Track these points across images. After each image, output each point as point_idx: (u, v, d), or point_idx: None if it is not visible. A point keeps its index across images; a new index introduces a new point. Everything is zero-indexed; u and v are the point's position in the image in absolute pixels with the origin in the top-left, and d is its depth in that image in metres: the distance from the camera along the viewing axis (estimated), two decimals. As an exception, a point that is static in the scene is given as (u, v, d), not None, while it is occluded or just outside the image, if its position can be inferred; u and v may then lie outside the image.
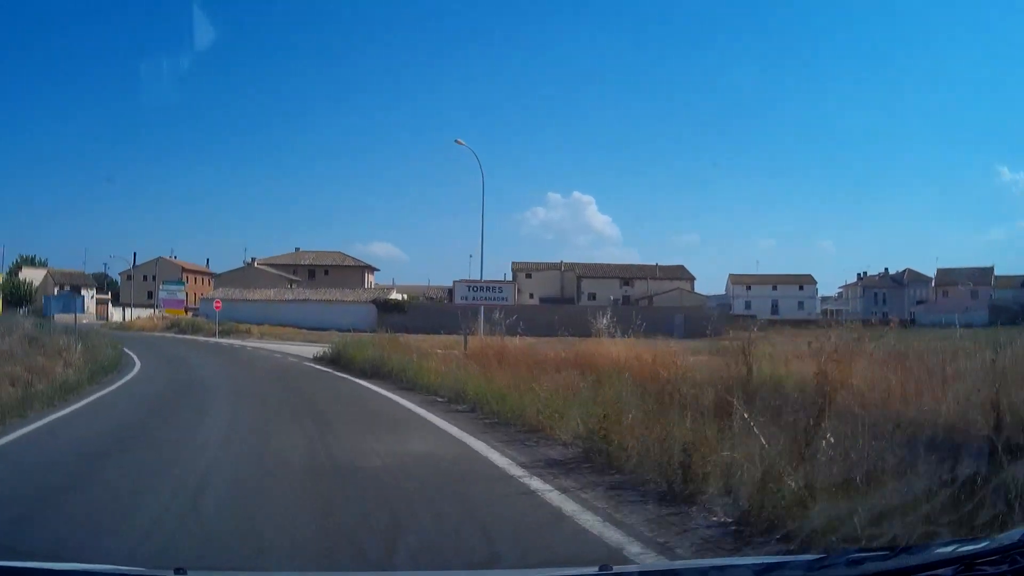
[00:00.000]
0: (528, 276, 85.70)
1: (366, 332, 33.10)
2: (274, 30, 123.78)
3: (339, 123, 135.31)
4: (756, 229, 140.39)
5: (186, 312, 74.31)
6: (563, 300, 75.87)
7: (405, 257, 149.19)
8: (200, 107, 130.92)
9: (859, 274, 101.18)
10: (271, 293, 72.88)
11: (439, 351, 21.74)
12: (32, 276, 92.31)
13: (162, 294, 65.77)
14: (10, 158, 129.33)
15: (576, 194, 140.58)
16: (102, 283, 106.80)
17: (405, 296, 71.51)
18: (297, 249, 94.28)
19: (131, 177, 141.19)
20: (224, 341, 47.69)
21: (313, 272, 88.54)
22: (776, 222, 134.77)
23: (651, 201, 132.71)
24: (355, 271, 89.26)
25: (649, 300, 76.62)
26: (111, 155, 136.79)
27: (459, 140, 36.15)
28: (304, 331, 55.23)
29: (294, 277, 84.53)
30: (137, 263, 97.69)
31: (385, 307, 62.99)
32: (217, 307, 55.71)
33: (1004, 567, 2.47)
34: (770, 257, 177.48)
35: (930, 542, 3.49)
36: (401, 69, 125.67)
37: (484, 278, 30.84)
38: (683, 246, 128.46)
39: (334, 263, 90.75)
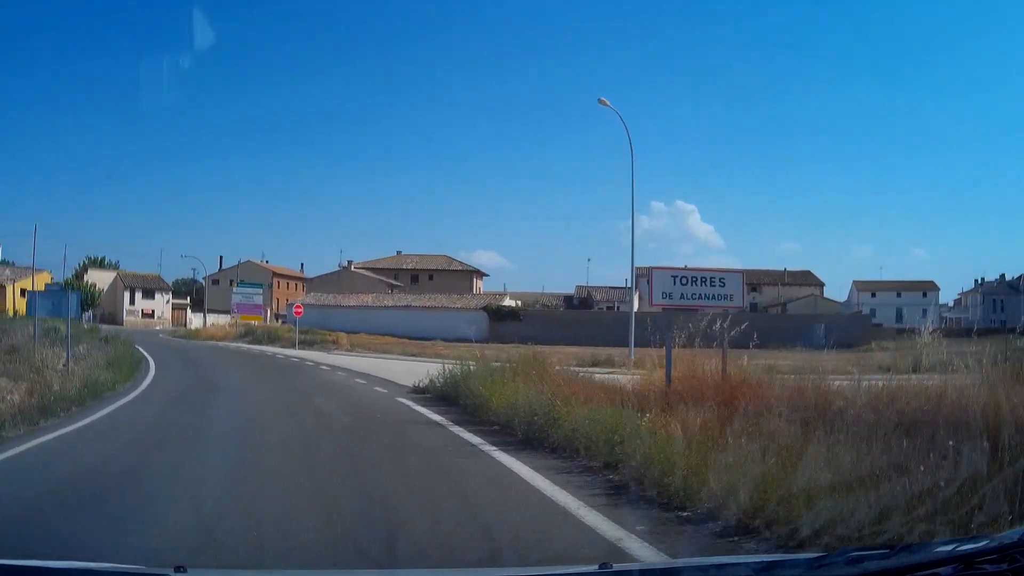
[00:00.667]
0: (649, 282, 73.83)
1: (476, 343, 29.70)
2: (386, 30, 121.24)
3: (444, 127, 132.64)
4: (852, 236, 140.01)
5: (277, 320, 69.64)
6: (686, 307, 65.55)
7: (510, 266, 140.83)
8: (301, 105, 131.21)
9: (977, 280, 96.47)
10: (368, 299, 66.58)
11: (606, 374, 15.97)
12: (100, 279, 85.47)
13: (235, 298, 56.07)
14: (101, 158, 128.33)
15: (679, 203, 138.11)
16: (190, 288, 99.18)
17: (518, 303, 65.34)
18: (398, 252, 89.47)
19: (223, 178, 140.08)
20: (301, 354, 37.66)
21: (416, 277, 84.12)
22: (871, 228, 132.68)
23: (750, 210, 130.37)
24: (462, 276, 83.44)
25: (782, 307, 72.27)
26: (202, 155, 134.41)
27: (603, 100, 32.59)
28: (404, 341, 47.63)
29: (395, 282, 79.52)
30: (224, 267, 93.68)
31: (498, 315, 57.33)
32: (298, 312, 45.64)
33: (1004, 566, 2.44)
34: (865, 266, 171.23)
35: (930, 540, 3.47)
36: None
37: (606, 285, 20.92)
38: (783, 255, 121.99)
39: (439, 267, 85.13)
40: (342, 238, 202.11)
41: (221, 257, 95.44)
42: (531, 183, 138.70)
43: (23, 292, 57.60)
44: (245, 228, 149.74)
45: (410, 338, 47.83)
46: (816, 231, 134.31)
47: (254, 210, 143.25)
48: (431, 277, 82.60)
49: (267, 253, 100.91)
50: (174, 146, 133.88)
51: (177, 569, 2.88)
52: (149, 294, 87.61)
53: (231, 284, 65.40)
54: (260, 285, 58.45)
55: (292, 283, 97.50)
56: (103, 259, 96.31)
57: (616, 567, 2.97)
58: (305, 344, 43.75)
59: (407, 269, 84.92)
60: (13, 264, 67.67)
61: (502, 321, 53.98)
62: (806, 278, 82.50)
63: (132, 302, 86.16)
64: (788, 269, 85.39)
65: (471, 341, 32.37)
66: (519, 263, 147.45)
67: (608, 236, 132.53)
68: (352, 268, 79.40)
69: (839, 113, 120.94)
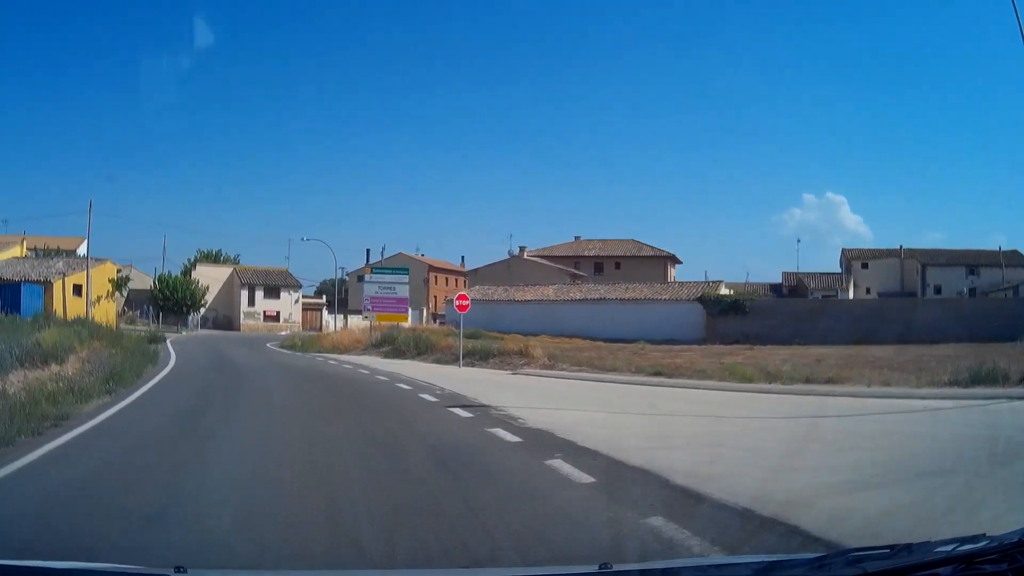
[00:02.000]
0: (864, 266, 71.00)
1: (691, 343, 27.43)
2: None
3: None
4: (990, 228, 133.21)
5: (435, 320, 63.47)
6: (904, 294, 65.00)
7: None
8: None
9: None
10: (549, 291, 54.43)
11: None
12: (211, 275, 72.45)
13: (369, 289, 37.52)
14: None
15: (829, 194, 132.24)
16: (338, 288, 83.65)
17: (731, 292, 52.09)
18: (577, 238, 79.48)
19: (365, 169, 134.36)
20: (471, 378, 21.48)
21: (600, 265, 74.07)
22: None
23: (895, 199, 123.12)
24: (654, 263, 72.53)
25: (1013, 290, 59.83)
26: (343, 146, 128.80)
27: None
28: (599, 344, 35.16)
29: (577, 271, 69.71)
30: (372, 261, 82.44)
31: (717, 307, 45.95)
32: (463, 306, 28.99)
33: (1004, 566, 2.48)
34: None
35: (930, 541, 3.12)
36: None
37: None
38: (928, 245, 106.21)
39: (627, 253, 74.91)
40: (503, 227, 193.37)
41: (368, 250, 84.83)
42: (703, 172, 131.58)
43: (77, 289, 43.77)
44: (391, 222, 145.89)
45: (605, 340, 37.21)
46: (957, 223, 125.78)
47: (401, 202, 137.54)
48: (618, 265, 72.69)
49: (421, 247, 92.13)
50: (309, 137, 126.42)
51: (177, 569, 2.88)
52: (272, 292, 71.19)
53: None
54: (404, 271, 39.25)
55: (451, 278, 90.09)
56: (218, 252, 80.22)
57: (616, 567, 2.97)
58: (475, 357, 27.57)
59: (589, 256, 74.66)
60: (73, 255, 51.39)
61: (722, 315, 44.38)
62: (1015, 258, 68.06)
63: (251, 302, 70.21)
64: (1003, 249, 70.24)
65: (686, 342, 29.69)
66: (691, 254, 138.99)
67: (752, 233, 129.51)
68: (525, 256, 70.73)
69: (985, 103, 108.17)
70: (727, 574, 3.25)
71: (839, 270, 71.54)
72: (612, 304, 49.02)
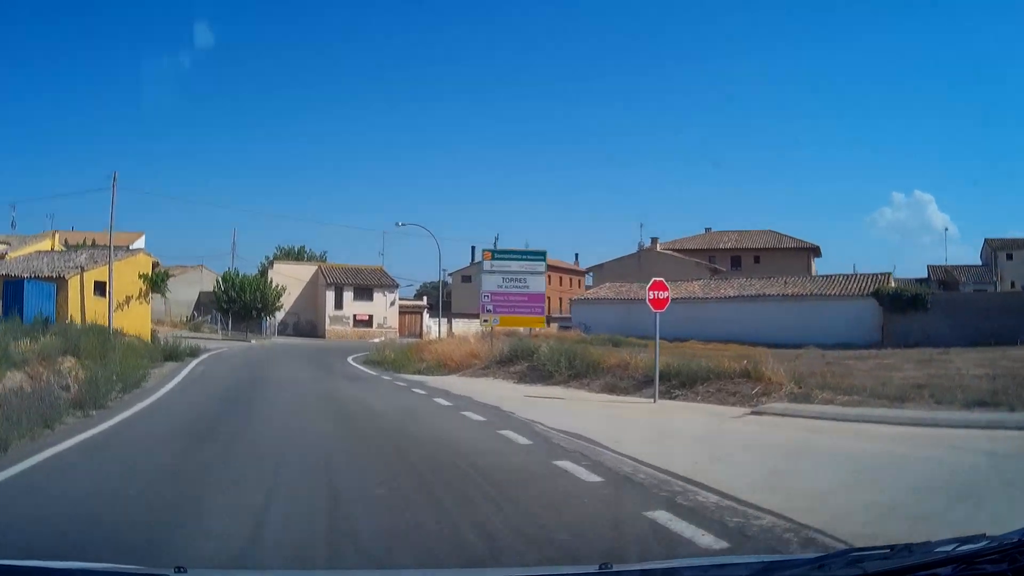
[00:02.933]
0: (1009, 257, 64.08)
1: (871, 348, 24.57)
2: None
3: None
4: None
5: (548, 324, 49.53)
6: None
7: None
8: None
9: None
10: (695, 288, 47.90)
11: None
12: (292, 274, 63.73)
13: (488, 282, 25.25)
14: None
15: (917, 192, 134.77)
16: (442, 288, 74.47)
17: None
18: (708, 230, 73.82)
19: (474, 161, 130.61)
20: (729, 428, 11.10)
21: (738, 259, 68.13)
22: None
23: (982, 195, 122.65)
24: (795, 255, 66.22)
25: None
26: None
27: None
28: (759, 349, 22.66)
29: (716, 266, 64.67)
30: (478, 260, 72.19)
31: (894, 303, 39.20)
32: (660, 302, 17.05)
33: (1004, 566, 2.46)
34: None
35: (930, 541, 3.12)
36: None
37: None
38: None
39: (766, 245, 68.77)
40: (622, 221, 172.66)
41: (474, 247, 78.40)
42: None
43: (102, 288, 36.06)
44: (496, 219, 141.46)
45: (765, 345, 26.94)
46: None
47: (508, 197, 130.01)
48: (756, 259, 67.01)
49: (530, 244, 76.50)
50: (408, 129, 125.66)
51: (177, 570, 2.88)
52: (364, 293, 60.87)
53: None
54: (540, 255, 27.29)
55: (565, 277, 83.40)
56: (300, 249, 70.27)
57: (616, 567, 2.96)
58: (672, 382, 16.86)
59: (724, 249, 68.94)
60: (93, 247, 42.08)
61: (899, 313, 38.46)
62: None
63: (338, 304, 59.79)
64: None
65: (860, 345, 27.44)
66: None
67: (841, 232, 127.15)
68: (658, 248, 65.30)
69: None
70: (727, 574, 3.16)
71: (978, 262, 67.07)
72: (772, 301, 42.88)
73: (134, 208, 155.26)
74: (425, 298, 69.05)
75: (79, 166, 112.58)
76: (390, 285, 64.12)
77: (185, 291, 61.06)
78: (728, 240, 69.38)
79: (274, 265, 62.99)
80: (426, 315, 66.26)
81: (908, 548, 2.88)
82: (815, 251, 68.44)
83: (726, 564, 3.52)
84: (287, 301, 60.23)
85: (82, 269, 33.19)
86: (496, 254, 28.35)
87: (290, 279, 59.88)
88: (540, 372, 20.64)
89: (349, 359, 32.04)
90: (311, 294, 62.85)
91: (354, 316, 62.29)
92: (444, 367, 25.41)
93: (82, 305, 31.31)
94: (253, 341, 47.59)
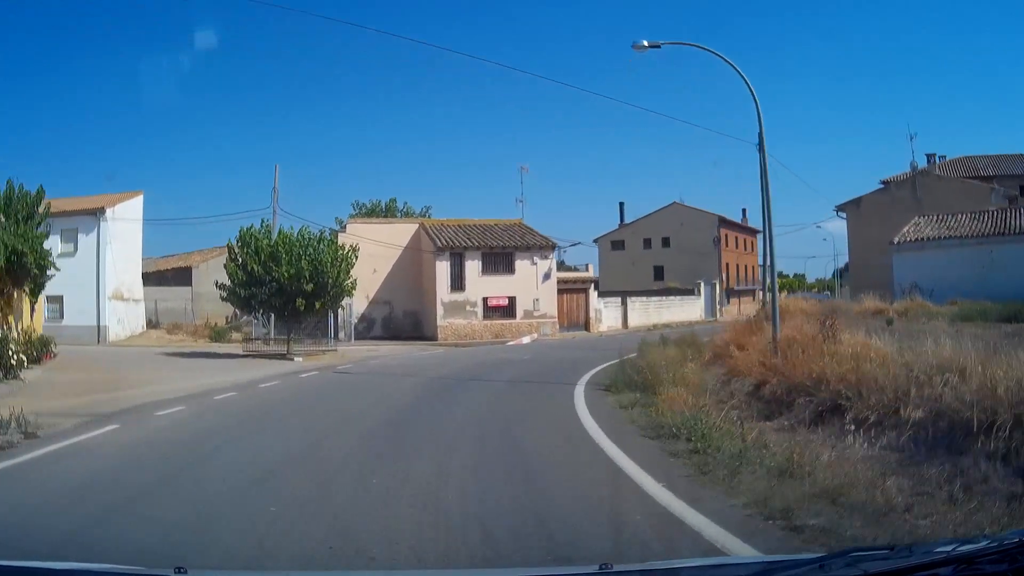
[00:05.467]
0: None
1: None
2: None
3: None
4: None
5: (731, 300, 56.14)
6: None
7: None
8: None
9: None
10: None
11: None
12: (378, 236, 43.07)
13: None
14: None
15: None
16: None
17: None
18: None
19: None
20: None
21: None
22: None
23: None
24: None
25: None
26: None
27: None
28: None
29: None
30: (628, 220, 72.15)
31: None
32: None
33: (1004, 566, 2.48)
34: None
35: (930, 541, 3.56)
36: None
37: None
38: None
39: None
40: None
41: (622, 205, 72.48)
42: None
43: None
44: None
45: None
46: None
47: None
48: None
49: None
50: None
51: (177, 570, 3.00)
52: (499, 261, 35.62)
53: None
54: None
55: (741, 237, 74.52)
56: (391, 203, 46.27)
57: (616, 567, 2.97)
58: None
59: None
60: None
61: None
62: None
63: (457, 282, 35.01)
64: None
65: None
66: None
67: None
68: (937, 169, 49.10)
69: None
70: (727, 574, 3.31)
71: None
72: None
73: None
74: (590, 267, 43.69)
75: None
76: (540, 246, 39.31)
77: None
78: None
79: (347, 228, 38.63)
80: (593, 294, 40.70)
81: (908, 548, 2.97)
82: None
83: (726, 564, 3.71)
84: (371, 282, 41.65)
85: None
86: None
87: (375, 248, 41.09)
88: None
89: (577, 402, 14.47)
90: (410, 269, 44.49)
91: (484, 301, 41.46)
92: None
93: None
94: (299, 359, 29.73)
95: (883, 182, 48.56)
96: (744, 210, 77.53)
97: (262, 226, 30.26)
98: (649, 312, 52.02)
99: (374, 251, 40.57)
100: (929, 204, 40.61)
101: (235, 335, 36.97)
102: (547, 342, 38.35)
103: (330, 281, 29.12)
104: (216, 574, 4.73)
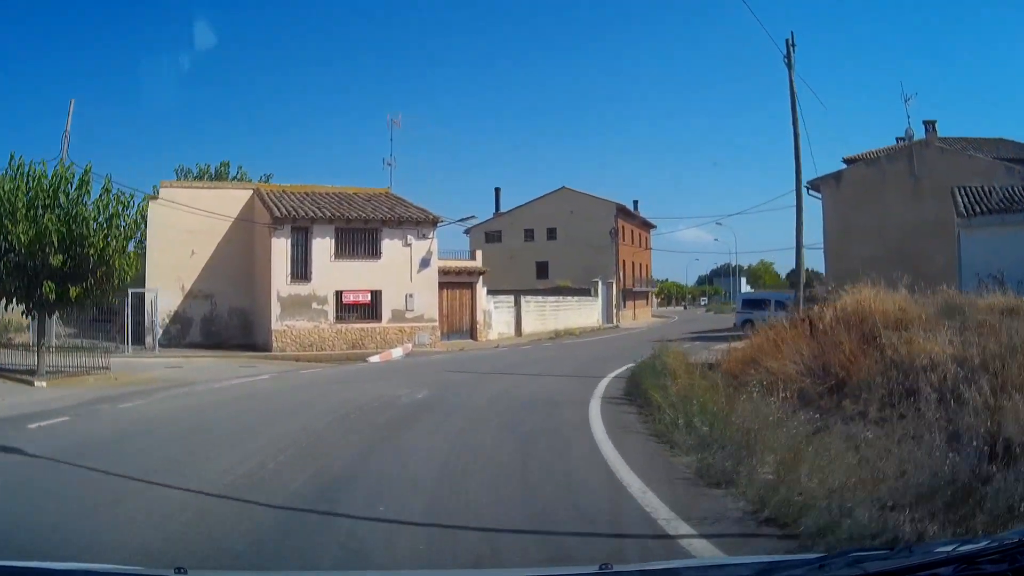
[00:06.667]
0: None
1: None
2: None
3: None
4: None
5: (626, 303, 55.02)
6: None
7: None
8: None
9: None
10: None
11: None
12: (203, 203, 31.89)
13: None
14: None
15: None
16: None
17: None
18: None
19: None
20: None
21: None
22: None
23: None
24: None
25: None
26: None
27: None
28: None
29: None
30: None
31: None
32: None
33: (1004, 566, 2.41)
34: None
35: (930, 541, 3.46)
36: None
37: None
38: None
39: None
40: None
41: (498, 191, 65.12)
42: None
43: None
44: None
45: None
46: None
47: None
48: None
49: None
50: None
51: (178, 570, 2.91)
52: (359, 241, 28.58)
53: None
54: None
55: (636, 232, 68.27)
56: (223, 167, 40.04)
57: (616, 568, 2.89)
58: None
59: None
60: None
61: None
62: None
63: (300, 270, 27.23)
64: None
65: None
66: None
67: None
68: (938, 142, 38.94)
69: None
70: (727, 574, 3.24)
71: None
72: None
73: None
74: (480, 254, 34.52)
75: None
76: (417, 221, 29.69)
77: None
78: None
79: (160, 194, 28.09)
80: (482, 290, 31.83)
81: (908, 548, 3.00)
82: None
83: (726, 564, 3.67)
84: (190, 268, 32.09)
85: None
86: None
87: (195, 221, 31.12)
88: None
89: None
90: (241, 252, 33.65)
91: (338, 296, 32.49)
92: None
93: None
94: (42, 384, 19.32)
95: (847, 161, 41.50)
96: (636, 202, 72.00)
97: (10, 167, 19.35)
98: (545, 316, 44.85)
99: (194, 226, 30.87)
100: (930, 182, 33.53)
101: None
102: (431, 358, 27.88)
103: (93, 254, 18.45)
104: (216, 574, 4.79)
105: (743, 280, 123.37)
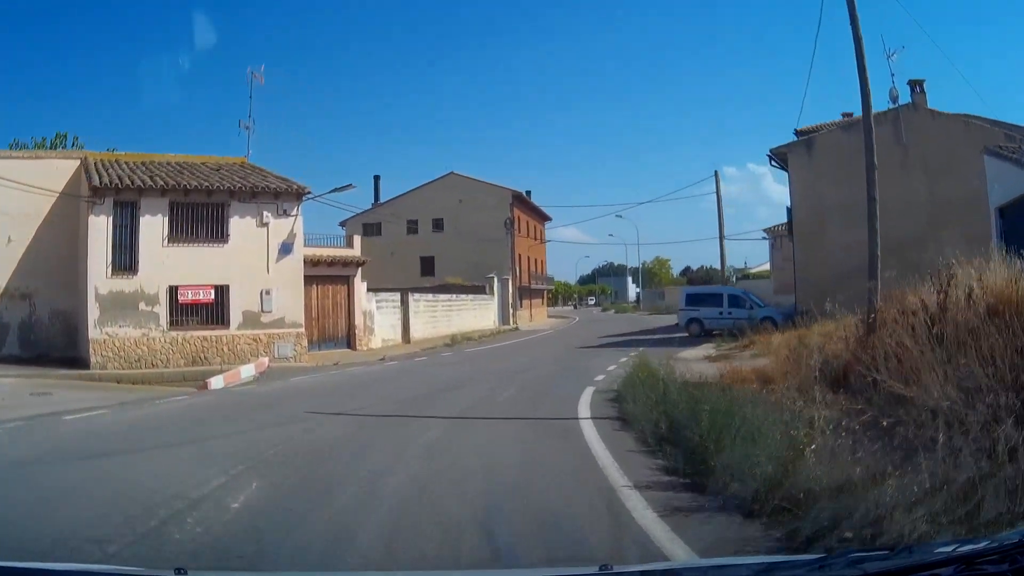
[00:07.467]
0: None
1: None
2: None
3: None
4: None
5: (523, 301, 52.55)
6: None
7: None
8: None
9: None
10: None
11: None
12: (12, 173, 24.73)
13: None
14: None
15: (751, 165, 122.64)
16: None
17: None
18: None
19: None
20: None
21: None
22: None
23: None
24: None
25: None
26: None
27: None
28: None
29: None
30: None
31: None
32: None
33: (1004, 566, 2.48)
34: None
35: (930, 541, 3.54)
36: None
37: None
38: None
39: None
40: None
41: (377, 179, 62.58)
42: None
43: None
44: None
45: None
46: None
47: None
48: None
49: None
50: None
51: (177, 571, 2.98)
52: (203, 218, 23.59)
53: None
54: None
55: (531, 223, 66.13)
56: (60, 138, 40.00)
57: (616, 568, 2.99)
58: None
59: None
60: None
61: None
62: None
63: (126, 260, 27.59)
64: None
65: None
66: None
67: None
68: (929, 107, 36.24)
69: None
70: (727, 574, 3.29)
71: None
72: None
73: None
74: (358, 241, 29.22)
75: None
76: (277, 192, 24.19)
77: None
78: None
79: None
80: (361, 286, 26.47)
81: (908, 548, 3.02)
82: None
83: (726, 565, 3.67)
84: (4, 260, 25.49)
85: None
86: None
87: (13, 199, 24.83)
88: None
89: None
90: (67, 239, 26.80)
91: (173, 292, 26.44)
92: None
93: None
94: None
95: (799, 133, 35.51)
96: (528, 192, 68.19)
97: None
98: (438, 317, 40.18)
99: (9, 206, 24.06)
100: (918, 151, 30.40)
101: None
102: (289, 380, 20.68)
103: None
104: (216, 574, 4.77)
105: (628, 279, 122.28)
